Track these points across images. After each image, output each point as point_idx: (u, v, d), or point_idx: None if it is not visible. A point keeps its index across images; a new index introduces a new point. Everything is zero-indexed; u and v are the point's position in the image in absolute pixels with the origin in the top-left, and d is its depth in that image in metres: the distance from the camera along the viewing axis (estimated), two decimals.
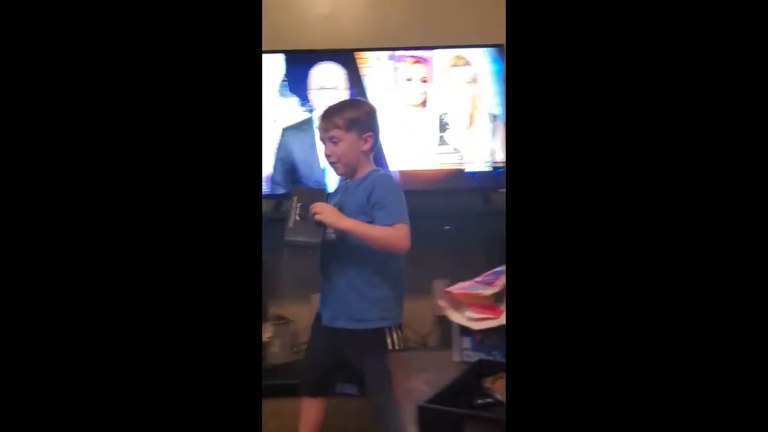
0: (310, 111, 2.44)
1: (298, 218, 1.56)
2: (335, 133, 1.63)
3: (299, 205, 1.58)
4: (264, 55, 2.43)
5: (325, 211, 1.54)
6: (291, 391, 2.25)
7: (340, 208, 1.64)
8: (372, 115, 1.69)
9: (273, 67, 2.44)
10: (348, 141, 1.64)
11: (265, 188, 2.43)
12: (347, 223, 1.55)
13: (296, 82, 2.45)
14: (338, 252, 1.62)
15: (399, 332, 1.64)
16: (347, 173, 1.70)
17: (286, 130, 2.45)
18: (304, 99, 2.44)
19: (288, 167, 2.45)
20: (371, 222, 1.57)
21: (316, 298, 2.46)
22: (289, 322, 2.53)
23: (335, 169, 1.70)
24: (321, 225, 1.54)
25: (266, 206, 2.49)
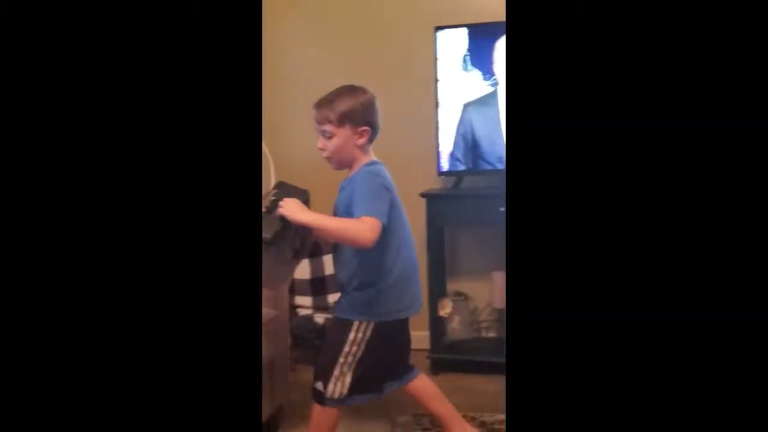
0: (494, 85, 2.38)
1: (264, 210, 1.48)
2: (327, 127, 1.54)
3: (273, 199, 1.50)
4: (447, 30, 2.42)
5: (287, 205, 1.47)
6: (470, 367, 2.26)
7: (336, 207, 1.59)
8: (369, 105, 1.56)
9: (456, 42, 2.41)
10: (341, 136, 1.54)
11: (446, 165, 2.42)
12: (305, 217, 1.47)
13: (479, 56, 2.40)
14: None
15: (367, 331, 1.54)
16: (343, 167, 1.61)
17: (467, 105, 2.42)
18: (487, 73, 2.39)
19: (469, 143, 2.42)
20: None
21: (497, 276, 2.43)
22: (468, 298, 2.52)
23: (329, 163, 1.61)
24: (282, 220, 1.47)
25: (447, 182, 2.50)
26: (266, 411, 1.75)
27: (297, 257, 1.58)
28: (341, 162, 1.59)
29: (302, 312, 2.40)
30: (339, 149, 1.55)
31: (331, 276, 2.45)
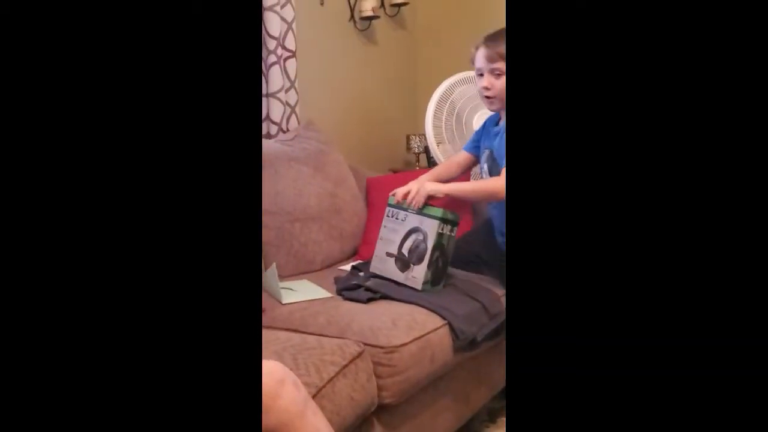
0: None
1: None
2: (499, 65, 1.50)
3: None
4: None
5: (427, 186, 1.47)
6: None
7: (492, 156, 1.59)
8: None
9: None
10: None
11: None
12: (446, 187, 1.50)
13: None
14: None
15: None
16: (501, 110, 1.60)
17: None
18: None
19: None
20: None
21: None
22: None
23: (490, 104, 1.59)
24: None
25: None
26: None
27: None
28: (503, 101, 1.56)
29: None
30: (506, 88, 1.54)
31: None
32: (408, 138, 2.63)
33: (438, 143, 2.16)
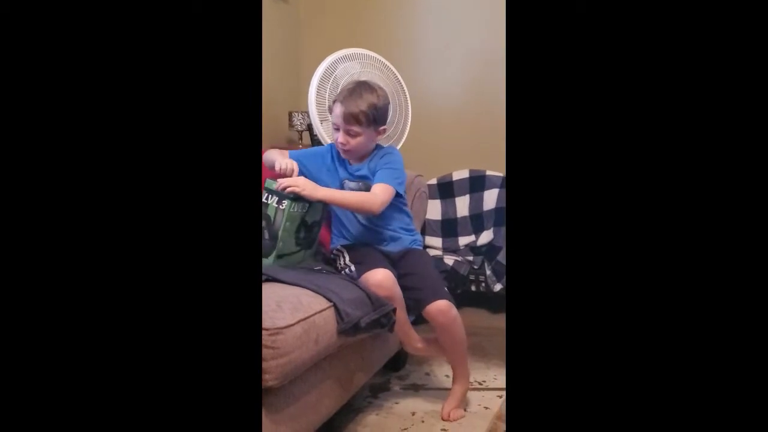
0: None
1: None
2: (356, 128, 1.59)
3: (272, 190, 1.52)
4: None
5: (300, 184, 1.49)
6: None
7: (368, 187, 1.64)
8: (387, 102, 1.66)
9: None
10: (366, 135, 1.61)
11: None
12: (323, 193, 1.53)
13: None
14: None
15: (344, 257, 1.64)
16: (357, 160, 1.69)
17: None
18: None
19: None
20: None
21: None
22: None
23: (347, 155, 1.67)
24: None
25: None
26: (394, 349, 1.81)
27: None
28: (359, 156, 1.67)
29: (432, 253, 2.39)
30: (361, 146, 1.63)
31: (463, 218, 2.42)
32: (290, 115, 2.58)
33: (321, 121, 2.13)
